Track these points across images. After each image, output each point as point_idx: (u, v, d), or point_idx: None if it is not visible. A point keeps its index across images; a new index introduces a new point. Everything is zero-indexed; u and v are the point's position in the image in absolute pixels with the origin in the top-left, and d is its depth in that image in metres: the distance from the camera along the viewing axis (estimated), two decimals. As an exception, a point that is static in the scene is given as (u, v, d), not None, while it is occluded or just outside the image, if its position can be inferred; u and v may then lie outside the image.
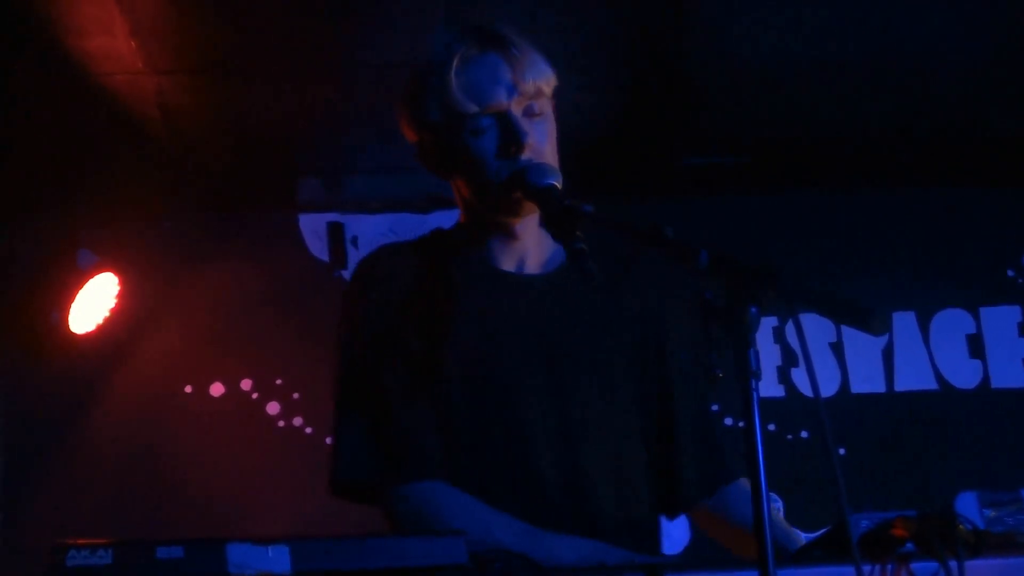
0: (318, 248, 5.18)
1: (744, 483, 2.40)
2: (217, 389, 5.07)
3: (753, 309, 1.65)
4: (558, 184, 2.13)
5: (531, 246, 2.32)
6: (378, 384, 2.16)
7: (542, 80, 2.23)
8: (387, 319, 2.20)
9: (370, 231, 5.11)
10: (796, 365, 5.24)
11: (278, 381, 5.10)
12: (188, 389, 5.06)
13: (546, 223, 2.15)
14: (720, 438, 2.47)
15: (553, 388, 2.21)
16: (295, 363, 5.01)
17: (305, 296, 5.00)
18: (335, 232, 5.12)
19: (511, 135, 2.18)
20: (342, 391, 2.21)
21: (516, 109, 2.20)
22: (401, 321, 2.19)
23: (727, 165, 5.05)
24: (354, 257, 5.09)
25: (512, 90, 2.19)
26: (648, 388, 2.35)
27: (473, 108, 2.18)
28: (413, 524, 2.09)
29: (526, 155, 2.18)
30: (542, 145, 2.21)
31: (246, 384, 5.09)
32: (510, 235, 2.30)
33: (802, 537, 2.20)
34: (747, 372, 1.65)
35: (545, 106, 2.25)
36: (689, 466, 2.39)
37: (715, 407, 4.98)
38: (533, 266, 2.34)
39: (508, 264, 2.32)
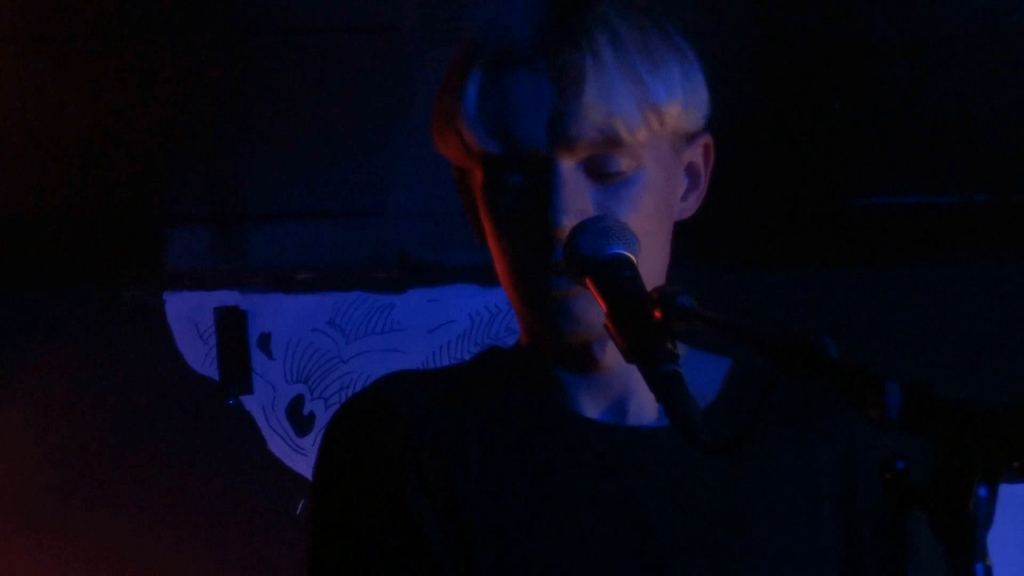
0: (196, 354, 3.94)
1: None
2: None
3: (982, 491, 1.18)
4: (631, 254, 1.55)
5: (635, 375, 1.67)
6: None
7: (635, 109, 1.62)
8: (403, 518, 1.72)
9: (294, 324, 3.97)
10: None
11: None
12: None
13: (613, 324, 1.55)
14: None
15: None
16: None
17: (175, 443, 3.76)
18: (230, 324, 3.97)
19: (542, 209, 1.61)
20: None
21: (570, 160, 1.62)
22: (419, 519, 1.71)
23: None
24: (268, 371, 3.97)
25: (560, 123, 1.65)
26: None
27: (492, 146, 1.65)
28: None
29: (566, 242, 1.60)
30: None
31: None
32: (586, 362, 1.73)
33: None
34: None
35: (641, 159, 1.63)
36: None
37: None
38: (640, 410, 1.76)
39: (593, 406, 1.77)
